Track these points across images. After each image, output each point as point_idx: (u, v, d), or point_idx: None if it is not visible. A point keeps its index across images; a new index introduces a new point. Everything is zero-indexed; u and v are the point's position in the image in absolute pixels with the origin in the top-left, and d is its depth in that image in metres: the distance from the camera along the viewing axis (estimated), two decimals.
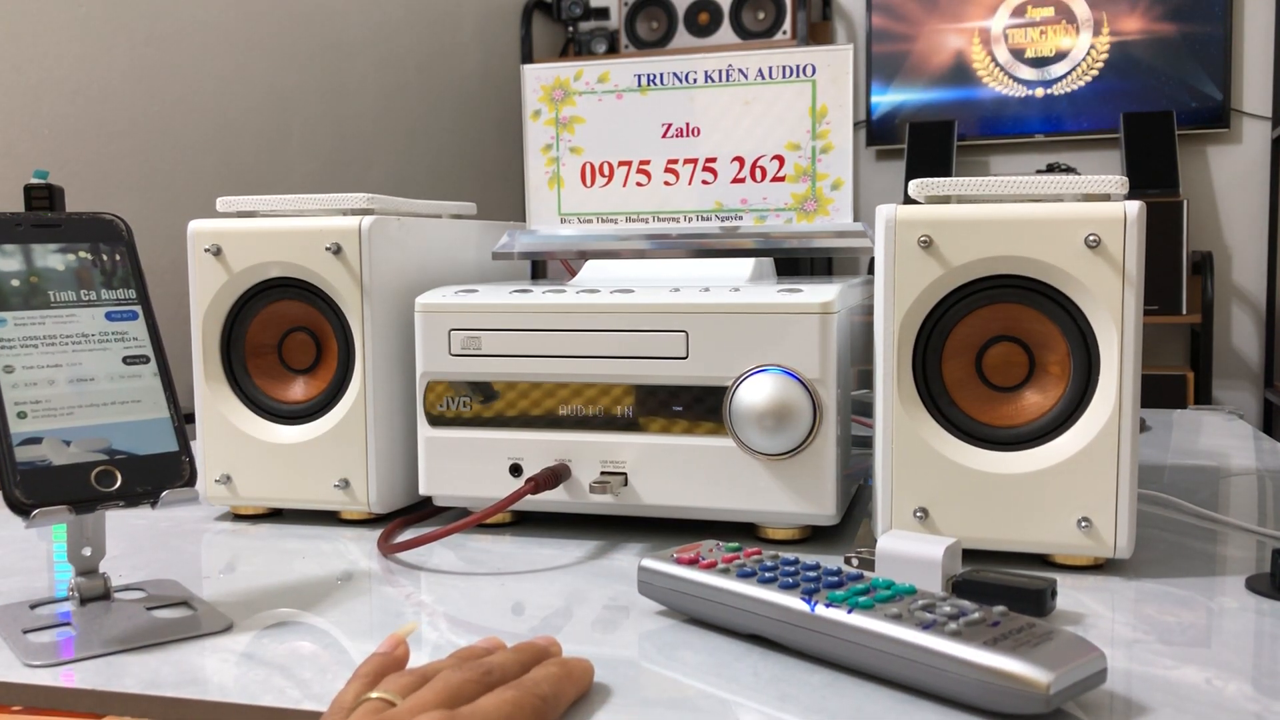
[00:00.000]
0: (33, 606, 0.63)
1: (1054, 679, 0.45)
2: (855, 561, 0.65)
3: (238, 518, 0.85)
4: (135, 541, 0.79)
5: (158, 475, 0.60)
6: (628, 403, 0.75)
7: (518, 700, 0.45)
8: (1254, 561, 0.71)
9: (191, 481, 0.61)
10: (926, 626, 0.49)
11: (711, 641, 0.57)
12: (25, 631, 0.59)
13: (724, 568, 0.58)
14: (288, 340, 0.84)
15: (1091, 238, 0.66)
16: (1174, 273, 2.46)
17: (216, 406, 0.83)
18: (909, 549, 0.61)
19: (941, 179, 0.71)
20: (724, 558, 0.60)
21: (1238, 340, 3.00)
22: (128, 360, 0.62)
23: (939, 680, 0.48)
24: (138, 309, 0.64)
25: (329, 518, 0.84)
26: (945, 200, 0.71)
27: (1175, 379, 2.68)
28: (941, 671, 0.48)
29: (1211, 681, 0.51)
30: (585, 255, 0.91)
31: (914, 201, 0.71)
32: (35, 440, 0.57)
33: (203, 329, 0.83)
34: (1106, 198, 0.69)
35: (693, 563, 0.59)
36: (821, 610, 0.52)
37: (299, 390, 0.84)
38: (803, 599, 0.53)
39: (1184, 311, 2.55)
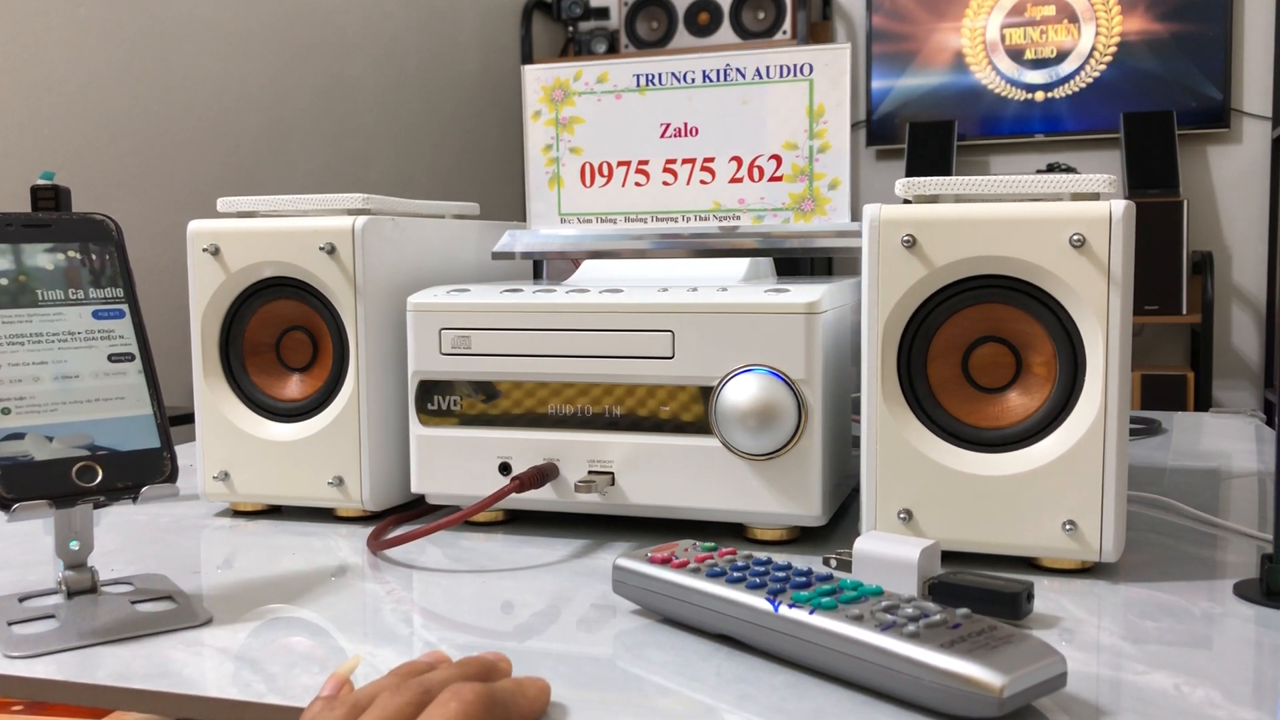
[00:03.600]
0: (22, 599, 0.65)
1: (1008, 682, 0.45)
2: (834, 563, 0.64)
3: (237, 514, 0.86)
4: (132, 537, 0.80)
5: (139, 471, 0.61)
6: (615, 402, 0.76)
7: (462, 710, 0.43)
8: (1250, 567, 0.70)
9: (172, 478, 0.62)
10: (885, 628, 0.49)
11: (680, 641, 0.57)
12: (10, 623, 0.60)
13: (695, 567, 0.58)
14: (285, 339, 0.85)
15: (1076, 237, 0.65)
16: (1174, 273, 2.42)
17: (215, 404, 0.84)
18: (886, 550, 0.61)
19: (928, 178, 0.71)
20: (697, 557, 0.60)
21: (1238, 340, 2.96)
22: (113, 358, 0.63)
23: (895, 682, 0.48)
24: (125, 308, 0.65)
25: (326, 515, 0.85)
26: (933, 200, 0.70)
27: (1175, 379, 2.64)
28: (897, 673, 0.47)
29: (1180, 688, 0.51)
30: (585, 255, 0.91)
31: (906, 201, 0.71)
32: (18, 435, 0.58)
33: (201, 328, 0.84)
34: (1096, 197, 0.68)
35: (665, 562, 0.59)
36: (785, 610, 0.52)
37: (295, 388, 0.85)
38: (767, 599, 0.53)
39: (1184, 311, 2.52)
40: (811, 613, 0.51)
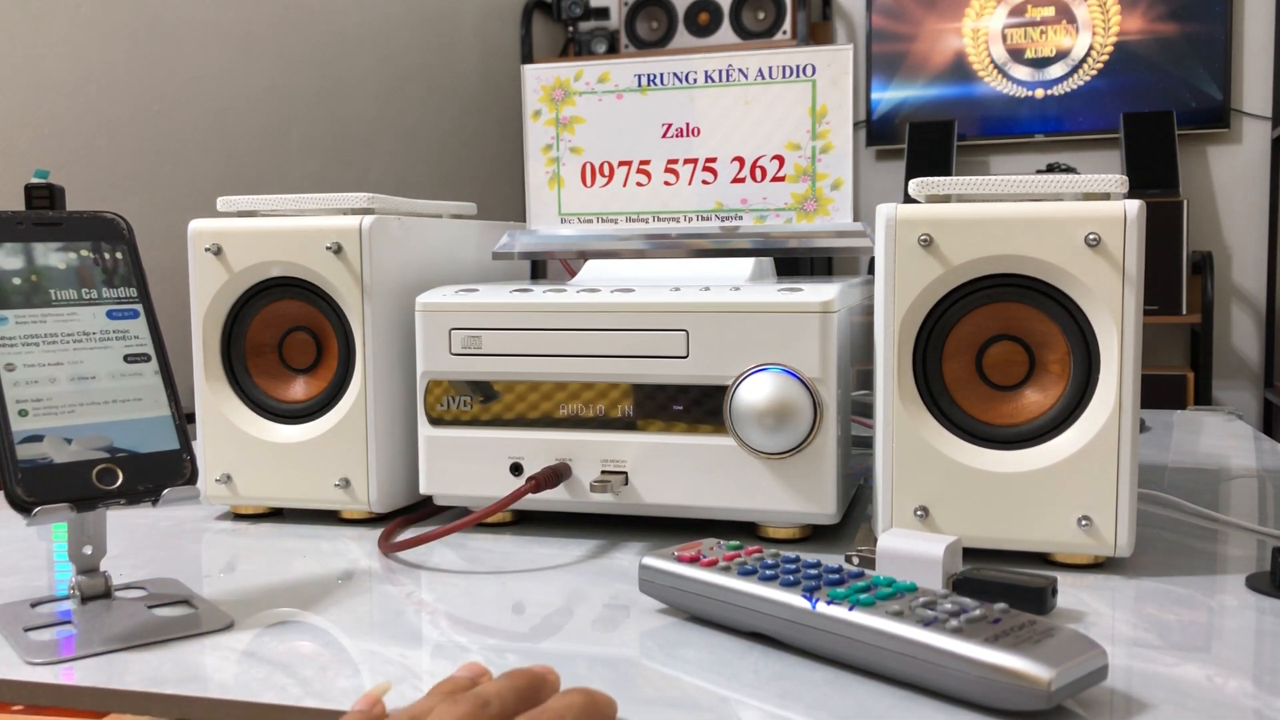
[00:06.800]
0: (34, 605, 0.63)
1: (1055, 675, 0.45)
2: (856, 560, 0.65)
3: (238, 517, 0.85)
4: (136, 540, 0.79)
5: (159, 473, 0.60)
6: (628, 402, 0.76)
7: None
8: (1254, 560, 0.71)
9: (193, 480, 0.61)
10: (928, 623, 0.49)
11: (712, 639, 0.57)
12: (26, 630, 0.59)
13: (725, 565, 0.58)
14: (288, 340, 0.84)
15: (1091, 236, 0.66)
16: (1174, 273, 2.46)
17: (217, 406, 0.83)
18: (910, 547, 0.61)
19: (941, 178, 0.71)
20: (725, 556, 0.60)
21: (1238, 340, 3.00)
22: (129, 359, 0.62)
23: (940, 677, 0.48)
24: (139, 307, 0.64)
25: (329, 517, 0.84)
26: (945, 199, 0.71)
27: (1175, 379, 2.68)
28: (943, 668, 0.48)
29: (1212, 679, 0.51)
30: (585, 255, 0.91)
31: (914, 201, 0.71)
32: (37, 438, 0.57)
33: (203, 328, 0.83)
34: (1106, 197, 0.69)
35: (694, 561, 0.59)
36: (823, 608, 0.52)
37: (299, 390, 0.84)
38: (804, 596, 0.53)
39: (1184, 311, 2.55)
40: (851, 609, 0.51)
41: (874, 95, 3.18)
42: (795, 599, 0.53)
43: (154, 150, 2.09)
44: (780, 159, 0.92)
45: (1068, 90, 3.02)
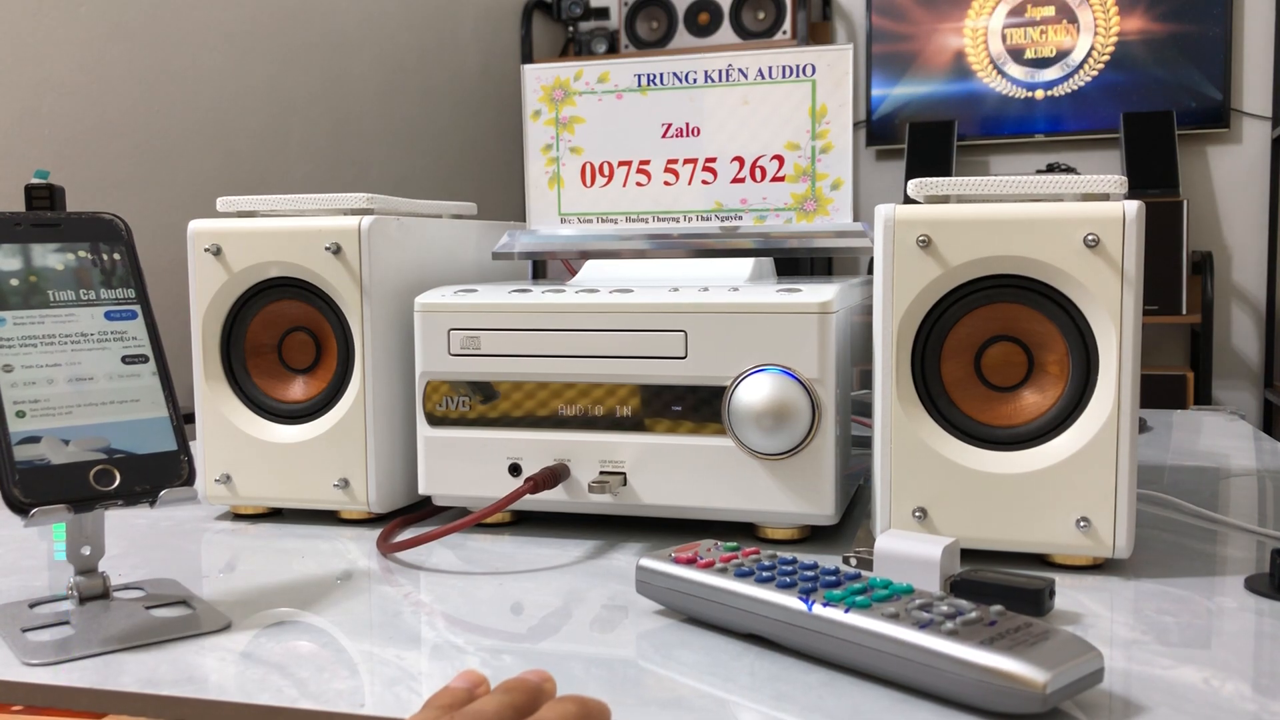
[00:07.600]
0: (32, 605, 0.63)
1: (1050, 678, 0.45)
2: (854, 561, 0.65)
3: (237, 517, 0.85)
4: (135, 541, 0.79)
5: (156, 474, 0.60)
6: (627, 402, 0.76)
7: None
8: (1253, 562, 0.71)
9: (190, 481, 0.61)
10: (923, 626, 0.49)
11: (709, 641, 0.57)
12: (24, 630, 0.59)
13: (722, 567, 0.58)
14: (287, 340, 0.84)
15: (1090, 237, 0.66)
16: (1174, 273, 2.46)
17: (216, 406, 0.83)
18: (907, 549, 0.61)
19: (940, 179, 0.71)
20: (722, 557, 0.60)
21: (1238, 340, 3.00)
22: (127, 360, 0.62)
23: (936, 680, 0.48)
24: (137, 308, 0.64)
25: (328, 517, 0.84)
26: (944, 200, 0.71)
27: (1175, 379, 2.68)
28: (938, 671, 0.48)
29: (1209, 681, 0.51)
30: (585, 255, 0.91)
31: (913, 201, 0.71)
32: (34, 439, 0.57)
33: (203, 329, 0.83)
34: (1105, 197, 0.69)
35: (690, 562, 0.59)
36: (819, 609, 0.52)
37: (299, 390, 0.84)
38: (800, 598, 0.53)
39: (1184, 311, 2.55)
40: (847, 611, 0.51)
41: (874, 95, 3.18)
42: (791, 601, 0.53)
43: (154, 150, 2.09)
44: (780, 159, 0.92)
45: (1068, 90, 3.02)
